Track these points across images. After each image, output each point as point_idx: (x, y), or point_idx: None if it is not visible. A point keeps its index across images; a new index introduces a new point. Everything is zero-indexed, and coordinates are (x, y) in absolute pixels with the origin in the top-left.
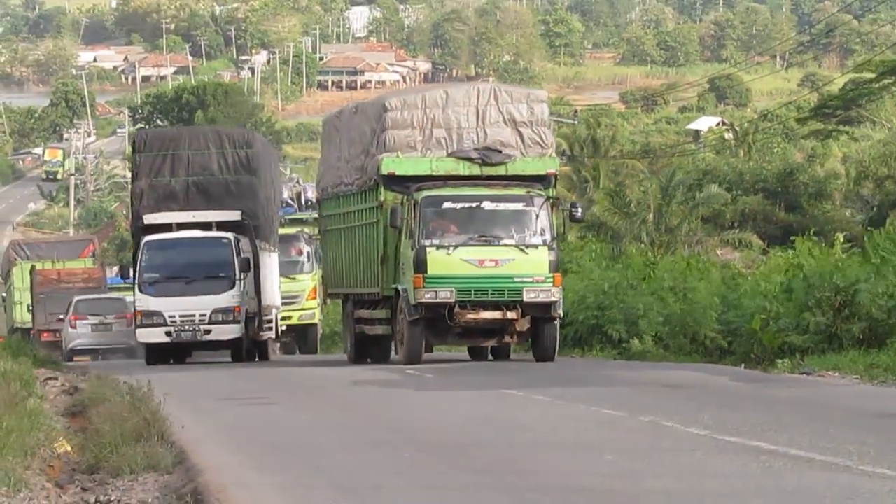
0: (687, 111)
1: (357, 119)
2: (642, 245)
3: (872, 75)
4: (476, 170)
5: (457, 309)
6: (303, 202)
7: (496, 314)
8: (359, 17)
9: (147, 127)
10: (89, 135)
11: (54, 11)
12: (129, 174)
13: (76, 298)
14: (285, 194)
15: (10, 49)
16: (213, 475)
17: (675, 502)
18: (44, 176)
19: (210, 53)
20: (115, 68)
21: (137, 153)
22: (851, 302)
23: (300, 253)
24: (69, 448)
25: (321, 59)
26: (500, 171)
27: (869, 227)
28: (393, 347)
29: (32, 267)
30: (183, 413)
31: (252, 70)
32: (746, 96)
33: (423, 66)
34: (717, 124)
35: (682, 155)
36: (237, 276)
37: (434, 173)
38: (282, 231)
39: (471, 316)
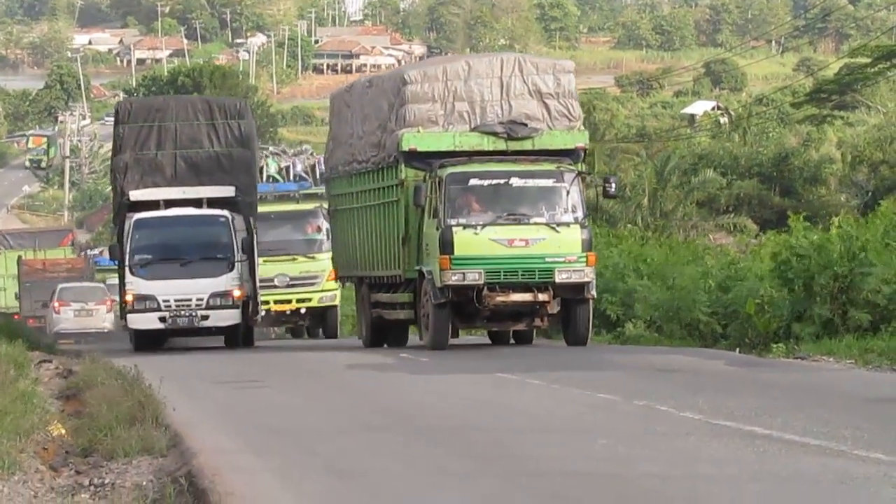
0: (682, 95)
1: (372, 93)
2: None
3: (867, 60)
4: (501, 145)
5: (485, 291)
6: (317, 175)
7: (527, 296)
8: (354, 1)
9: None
10: (84, 117)
11: None
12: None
13: (60, 286)
14: (299, 167)
15: (4, 31)
16: (207, 458)
17: (669, 487)
18: (27, 164)
19: (205, 36)
20: (110, 51)
21: (121, 124)
22: (849, 288)
23: (318, 230)
24: (63, 431)
25: (316, 42)
26: (527, 145)
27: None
28: (418, 332)
29: (19, 257)
30: (177, 396)
31: (248, 52)
32: (742, 81)
33: (419, 49)
34: (713, 109)
35: (677, 139)
36: (236, 257)
37: (457, 149)
38: (298, 206)
39: (500, 298)
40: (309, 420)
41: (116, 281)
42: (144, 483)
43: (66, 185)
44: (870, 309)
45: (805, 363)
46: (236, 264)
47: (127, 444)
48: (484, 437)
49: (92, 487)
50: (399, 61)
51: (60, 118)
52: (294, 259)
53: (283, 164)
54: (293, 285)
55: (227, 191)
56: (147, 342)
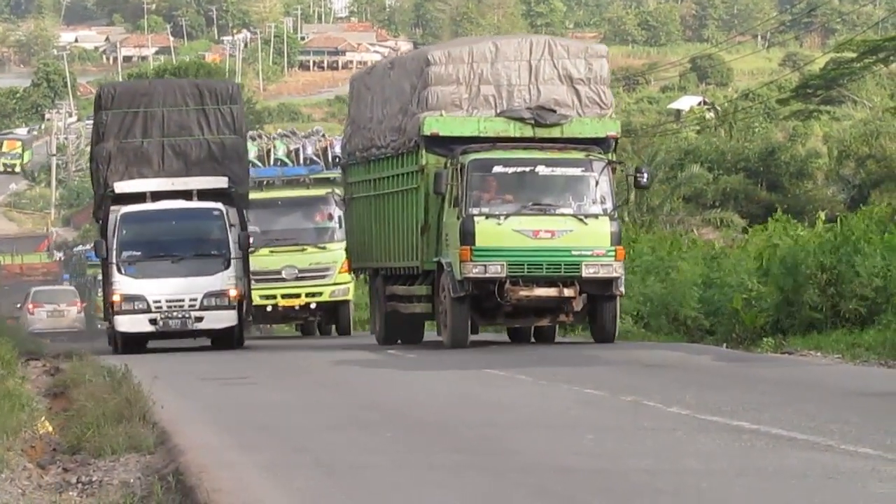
0: (668, 91)
1: (394, 75)
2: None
3: (854, 55)
4: (528, 131)
5: (507, 285)
6: (329, 159)
7: (551, 291)
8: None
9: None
10: (71, 115)
11: None
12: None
13: (34, 289)
14: (309, 150)
15: None
16: (194, 455)
17: (656, 482)
18: (0, 168)
19: (191, 34)
20: (96, 49)
21: (103, 110)
22: (838, 281)
23: (330, 217)
24: (51, 429)
25: (302, 39)
26: (555, 132)
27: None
28: (436, 328)
29: None
30: (164, 393)
31: (234, 48)
32: (728, 76)
33: (405, 45)
34: (699, 104)
35: (663, 134)
36: (232, 254)
37: (482, 134)
38: (308, 192)
39: (523, 293)
40: (297, 416)
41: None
42: (132, 480)
43: (53, 182)
44: (859, 302)
45: (793, 358)
46: (232, 261)
47: (114, 441)
48: (472, 432)
49: (79, 485)
50: (385, 57)
51: (47, 116)
52: (303, 249)
53: (292, 147)
54: (302, 278)
55: (220, 181)
56: (133, 345)
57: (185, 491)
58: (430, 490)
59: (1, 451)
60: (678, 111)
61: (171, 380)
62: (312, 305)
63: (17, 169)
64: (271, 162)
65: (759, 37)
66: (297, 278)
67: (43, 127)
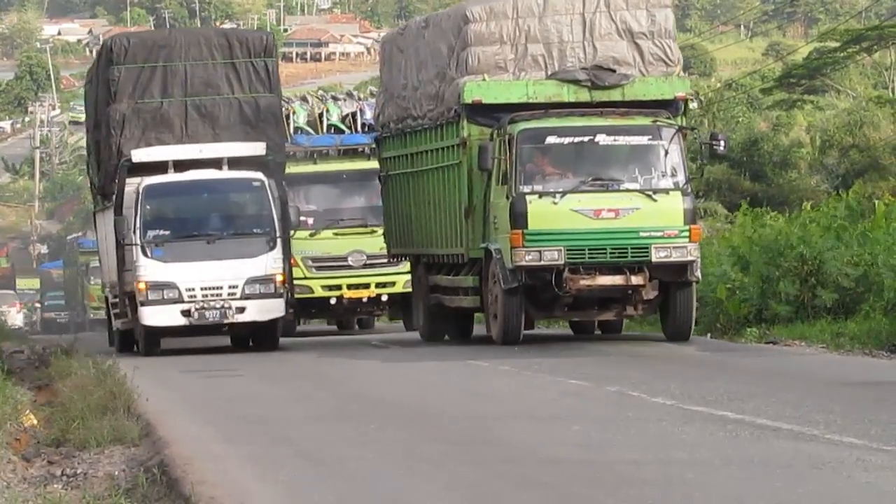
0: None
1: (429, 35)
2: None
3: (837, 44)
4: (585, 95)
5: (566, 273)
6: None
7: (617, 279)
8: None
9: None
10: (54, 108)
11: None
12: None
13: None
14: (367, 114)
15: None
16: (179, 447)
17: (642, 472)
18: None
19: (175, 26)
20: (79, 41)
21: (115, 65)
22: (818, 271)
23: None
24: (35, 421)
25: (285, 30)
26: (615, 95)
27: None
28: (485, 323)
29: None
30: (149, 385)
31: None
32: (711, 66)
33: None
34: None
35: None
36: (277, 233)
37: (531, 100)
38: (372, 164)
39: (585, 282)
40: (282, 408)
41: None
42: (117, 473)
43: (37, 175)
44: (839, 291)
45: (777, 348)
46: (278, 241)
47: (99, 433)
48: (456, 423)
49: (64, 478)
50: (368, 49)
51: (30, 109)
52: (373, 231)
53: (346, 111)
54: (372, 265)
55: (256, 148)
56: (156, 342)
57: (169, 483)
58: (415, 481)
59: None
60: None
61: (156, 371)
62: (384, 297)
63: None
64: (324, 128)
65: (743, 26)
66: (366, 265)
67: (26, 120)
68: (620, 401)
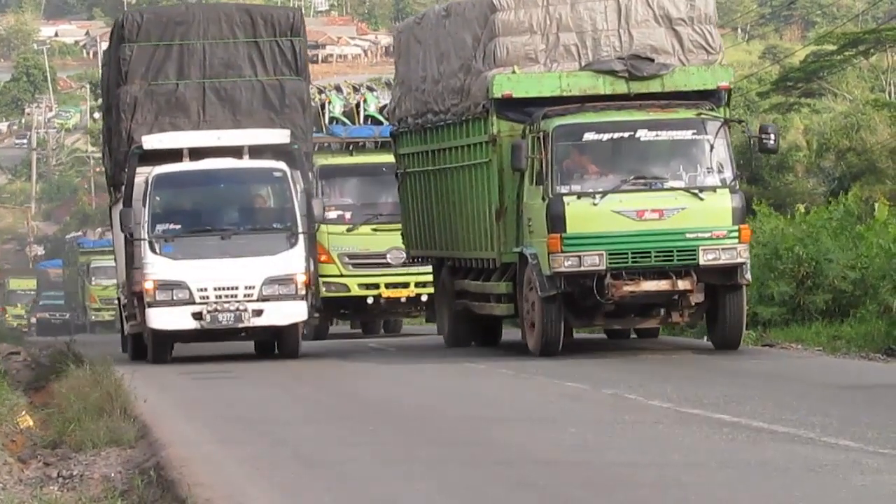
0: None
1: (450, 25)
2: None
3: (833, 47)
4: (622, 86)
5: (608, 279)
6: (361, 119)
7: (663, 284)
8: None
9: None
10: (51, 109)
11: None
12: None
13: None
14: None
15: None
16: (176, 449)
17: (638, 475)
18: None
19: None
20: (76, 43)
21: (127, 43)
22: (815, 273)
23: None
24: (31, 423)
25: None
26: (655, 86)
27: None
28: (520, 331)
29: None
30: (146, 387)
31: None
32: None
33: (385, 39)
34: None
35: None
36: (300, 228)
37: (565, 94)
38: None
39: (628, 288)
40: (277, 410)
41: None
42: (113, 475)
43: (34, 177)
44: (835, 294)
45: (773, 350)
46: (300, 237)
47: (95, 435)
48: (452, 425)
49: (60, 479)
50: (365, 51)
51: (27, 110)
52: None
53: (384, 102)
54: (412, 263)
55: (280, 135)
56: (167, 349)
57: (166, 485)
58: (410, 483)
59: None
60: None
61: (152, 373)
62: (423, 297)
63: None
64: (361, 119)
65: (739, 29)
66: (405, 263)
67: (23, 121)
68: (617, 403)
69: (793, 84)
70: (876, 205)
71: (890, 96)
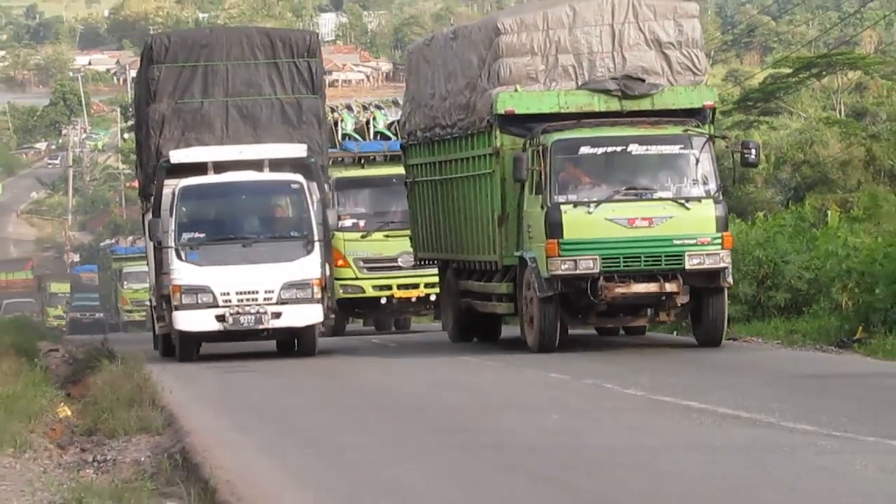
0: None
1: (458, 46)
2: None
3: (789, 70)
4: (615, 104)
5: (601, 281)
6: (371, 135)
7: (652, 286)
8: (327, 23)
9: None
10: (85, 131)
11: (53, 20)
12: (138, 103)
13: (5, 301)
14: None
15: (13, 54)
16: (199, 436)
17: (615, 456)
18: None
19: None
20: (107, 71)
21: (156, 64)
22: (774, 274)
23: None
24: (69, 413)
25: None
26: (645, 104)
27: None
28: (520, 329)
29: None
30: (171, 380)
31: None
32: None
33: (385, 66)
34: None
35: None
36: (316, 236)
37: (563, 110)
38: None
39: (620, 290)
40: (288, 400)
41: (134, 269)
42: (142, 459)
43: (70, 191)
44: (792, 293)
45: (736, 343)
46: (316, 245)
47: (127, 423)
48: (446, 413)
49: (95, 463)
50: (368, 76)
51: (64, 131)
52: None
53: (391, 119)
54: (421, 266)
55: (297, 150)
56: (193, 348)
57: (190, 468)
58: (409, 465)
59: (25, 434)
60: None
61: (179, 369)
62: (432, 297)
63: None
64: (371, 135)
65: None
66: (415, 266)
67: (60, 141)
68: (596, 392)
69: (752, 104)
70: (828, 212)
71: (840, 114)
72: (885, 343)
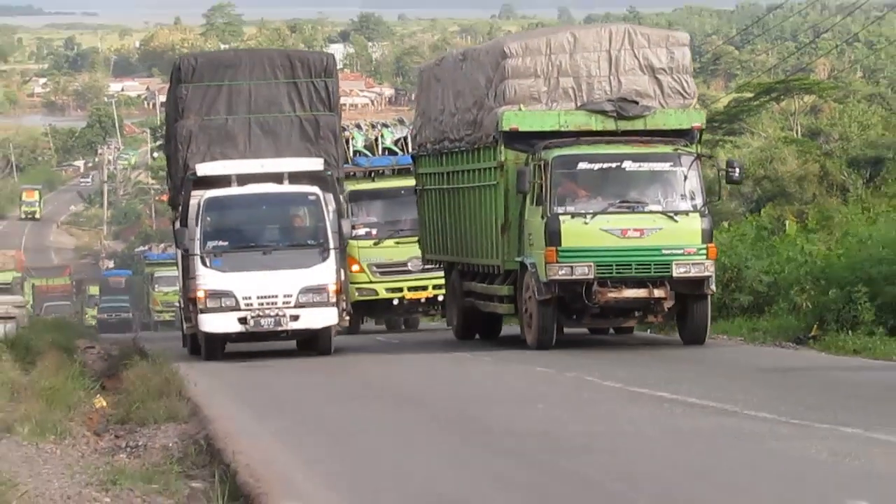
0: None
1: (466, 67)
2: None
3: (751, 95)
4: (611, 124)
5: (595, 286)
6: (379, 151)
7: (641, 292)
8: (335, 53)
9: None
10: (118, 150)
11: (89, 51)
12: (167, 118)
13: (45, 304)
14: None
15: (53, 81)
16: (221, 424)
17: (595, 442)
18: (22, 216)
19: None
20: (138, 96)
21: (183, 83)
22: (737, 277)
23: None
24: (105, 403)
25: None
26: (638, 125)
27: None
28: (520, 328)
29: (33, 284)
30: (196, 374)
31: None
32: None
33: (388, 91)
34: None
35: None
36: (331, 244)
37: (562, 129)
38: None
39: (612, 294)
40: (303, 392)
41: (165, 273)
42: (170, 445)
43: (105, 204)
44: (754, 294)
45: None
46: (331, 252)
47: (156, 413)
48: (444, 404)
49: (128, 449)
50: (371, 101)
51: (99, 151)
52: None
53: (398, 136)
54: (429, 269)
55: (315, 163)
56: (218, 348)
57: (213, 453)
58: (410, 451)
59: (65, 422)
60: None
61: (204, 365)
62: (440, 298)
63: (37, 215)
64: (380, 151)
65: None
66: (424, 269)
67: (96, 160)
68: (578, 384)
69: (718, 125)
70: (786, 222)
71: (797, 134)
72: (837, 339)
